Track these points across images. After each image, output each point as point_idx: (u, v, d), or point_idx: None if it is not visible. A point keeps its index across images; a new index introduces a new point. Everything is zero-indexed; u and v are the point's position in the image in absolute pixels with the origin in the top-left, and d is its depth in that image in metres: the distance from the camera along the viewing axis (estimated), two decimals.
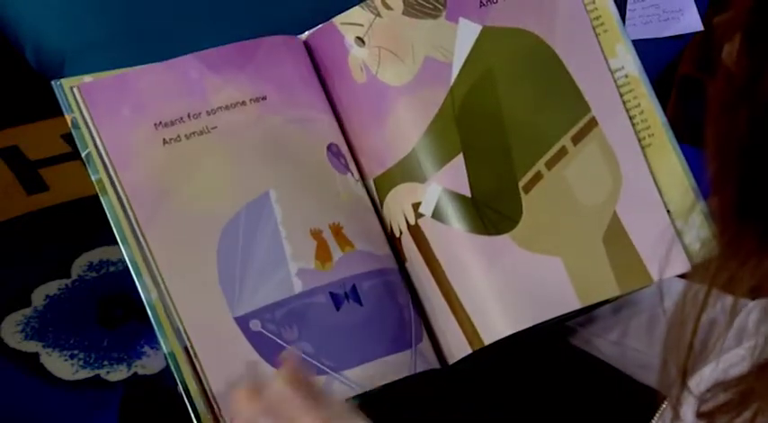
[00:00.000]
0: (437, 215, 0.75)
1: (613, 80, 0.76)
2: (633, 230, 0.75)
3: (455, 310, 0.74)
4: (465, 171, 0.75)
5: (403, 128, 0.75)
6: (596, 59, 0.76)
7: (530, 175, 0.75)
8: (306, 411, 0.63)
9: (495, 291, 0.73)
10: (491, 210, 0.74)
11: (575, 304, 0.74)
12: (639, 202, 0.75)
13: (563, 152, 0.75)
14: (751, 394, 0.51)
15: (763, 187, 0.49)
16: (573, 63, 0.76)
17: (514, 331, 0.73)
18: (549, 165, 0.75)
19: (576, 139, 0.75)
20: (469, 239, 0.74)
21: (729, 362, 0.57)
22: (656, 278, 0.74)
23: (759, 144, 0.48)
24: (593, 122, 0.76)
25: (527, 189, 0.75)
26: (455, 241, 0.74)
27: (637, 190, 0.75)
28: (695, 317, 0.55)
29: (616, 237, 0.75)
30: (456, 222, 0.74)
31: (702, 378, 0.57)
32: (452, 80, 0.75)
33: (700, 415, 0.54)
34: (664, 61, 1.19)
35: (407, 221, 0.76)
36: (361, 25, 0.76)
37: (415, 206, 0.75)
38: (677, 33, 1.14)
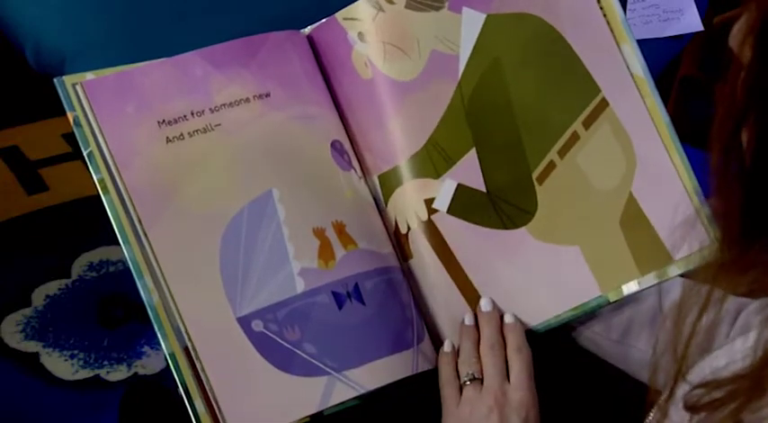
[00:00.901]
0: (453, 211, 0.75)
1: (622, 57, 0.74)
2: (651, 211, 0.73)
3: (474, 306, 0.75)
4: (479, 165, 0.74)
5: (412, 124, 0.75)
6: (603, 38, 0.74)
7: (543, 165, 0.74)
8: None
9: (515, 285, 0.74)
10: (506, 204, 0.74)
11: (595, 292, 0.73)
12: (656, 180, 0.73)
13: (575, 138, 0.74)
14: (742, 392, 0.50)
15: None
16: (580, 44, 0.75)
17: (536, 324, 0.74)
18: (562, 153, 0.74)
19: (588, 123, 0.74)
20: (486, 235, 0.74)
21: (723, 358, 0.57)
22: (676, 259, 0.72)
23: (766, 150, 0.47)
24: (603, 103, 0.74)
25: (541, 180, 0.74)
26: (472, 237, 0.74)
27: (652, 167, 0.73)
28: (694, 318, 0.54)
29: (634, 219, 0.73)
30: (472, 218, 0.74)
31: (697, 371, 0.56)
32: (460, 73, 0.75)
33: (688, 408, 0.53)
34: (664, 61, 1.19)
35: (419, 217, 0.76)
36: (364, 20, 0.75)
37: (428, 202, 0.75)
38: (677, 33, 1.14)
